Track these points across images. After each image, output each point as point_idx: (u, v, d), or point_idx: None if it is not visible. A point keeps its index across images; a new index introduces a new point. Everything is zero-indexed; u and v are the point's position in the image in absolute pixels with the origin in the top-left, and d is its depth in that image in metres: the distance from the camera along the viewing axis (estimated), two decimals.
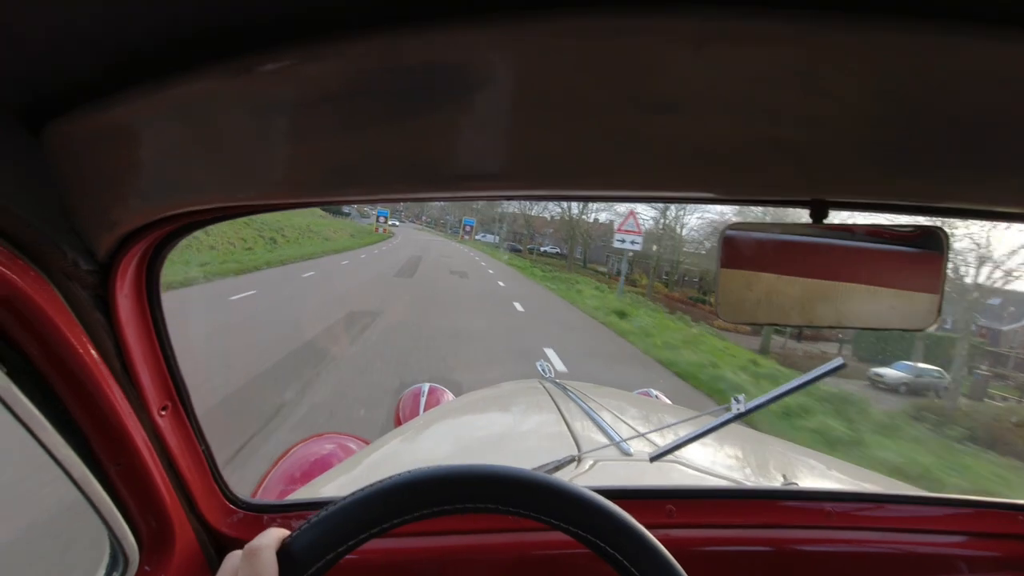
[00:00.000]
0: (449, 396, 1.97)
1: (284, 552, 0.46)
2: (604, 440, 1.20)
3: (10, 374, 0.50)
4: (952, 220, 0.54)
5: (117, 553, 0.69)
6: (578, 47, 0.34)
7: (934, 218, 0.54)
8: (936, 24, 0.32)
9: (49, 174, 0.46)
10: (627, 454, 1.12)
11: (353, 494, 0.48)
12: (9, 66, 0.38)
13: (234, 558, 0.46)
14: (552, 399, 1.56)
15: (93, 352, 0.55)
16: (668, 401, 2.26)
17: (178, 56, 0.38)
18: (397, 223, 51.39)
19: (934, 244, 0.51)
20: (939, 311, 0.51)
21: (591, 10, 0.32)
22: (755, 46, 0.33)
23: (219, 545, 0.81)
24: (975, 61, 0.33)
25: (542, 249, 47.18)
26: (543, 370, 1.97)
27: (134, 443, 0.62)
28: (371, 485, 0.49)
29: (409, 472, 0.49)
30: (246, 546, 0.45)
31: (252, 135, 0.43)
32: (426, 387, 1.96)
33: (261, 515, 0.83)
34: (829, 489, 1.11)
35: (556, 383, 1.73)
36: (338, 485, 1.14)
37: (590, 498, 0.50)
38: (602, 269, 37.72)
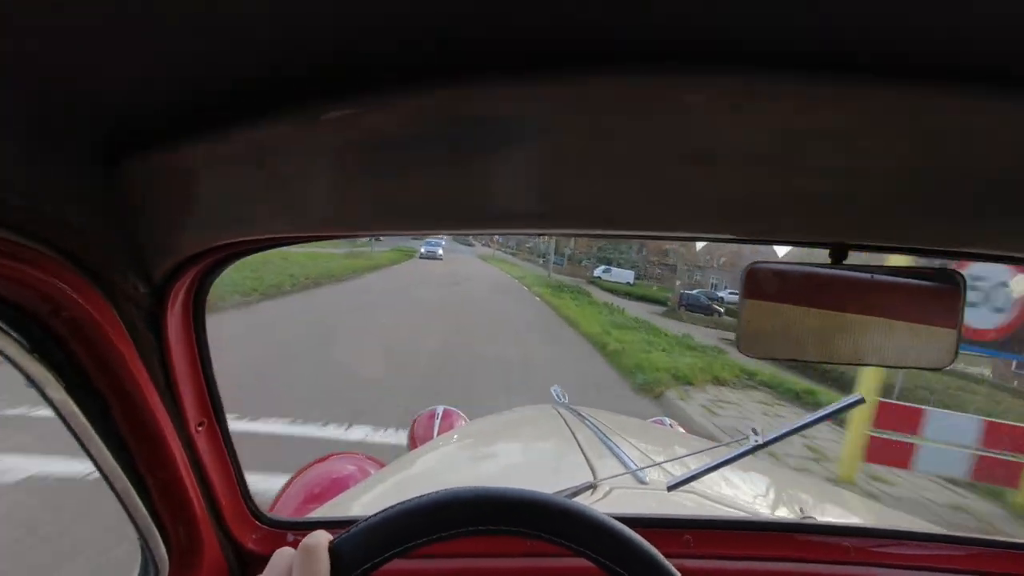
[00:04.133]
0: (463, 419, 1.98)
1: (334, 552, 0.47)
2: (619, 468, 1.21)
3: (67, 389, 0.54)
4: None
5: (148, 563, 0.71)
6: (622, 103, 0.37)
7: (947, 260, 0.56)
8: (955, 87, 0.34)
9: (121, 205, 0.50)
10: (643, 483, 1.13)
11: (401, 504, 0.49)
12: (95, 104, 0.42)
13: (285, 555, 0.47)
14: (567, 425, 1.56)
15: (143, 369, 0.59)
16: (682, 430, 2.24)
17: (252, 101, 0.42)
18: (439, 246, 36.92)
19: (951, 282, 0.53)
20: (956, 349, 0.52)
21: (639, 68, 0.35)
22: (790, 106, 0.36)
23: (242, 560, 0.82)
24: (994, 122, 0.36)
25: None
26: (557, 396, 1.98)
27: (173, 457, 0.65)
28: (418, 497, 0.50)
29: (454, 488, 0.51)
30: (301, 543, 0.46)
31: (312, 175, 0.47)
32: (440, 410, 1.97)
33: (285, 531, 0.85)
34: (847, 524, 1.10)
35: (571, 409, 1.73)
36: (359, 505, 1.15)
37: (612, 525, 0.51)
38: None
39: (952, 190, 0.41)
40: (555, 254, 44.93)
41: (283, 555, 0.47)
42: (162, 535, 0.69)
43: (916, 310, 0.53)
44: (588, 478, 1.10)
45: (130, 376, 0.57)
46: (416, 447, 1.83)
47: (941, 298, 0.53)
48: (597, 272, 36.57)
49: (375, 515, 0.48)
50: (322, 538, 0.46)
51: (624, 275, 36.38)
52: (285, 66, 0.39)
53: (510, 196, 0.45)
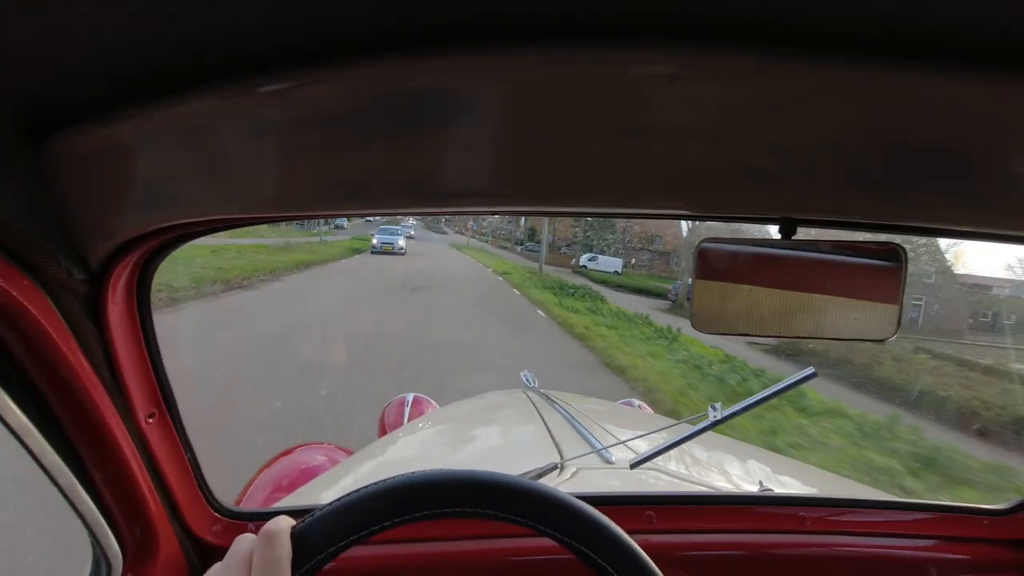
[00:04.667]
0: (434, 406, 1.98)
1: (296, 537, 0.46)
2: (586, 448, 1.22)
3: (1, 383, 0.51)
4: (911, 237, 0.57)
5: (100, 560, 0.69)
6: (563, 76, 0.36)
7: (894, 235, 0.57)
8: (893, 61, 0.35)
9: (47, 187, 0.48)
10: (608, 462, 1.14)
11: (363, 488, 0.49)
12: (11, 80, 0.40)
13: (245, 541, 0.46)
14: (535, 409, 1.58)
15: (84, 360, 0.56)
16: (649, 410, 2.29)
17: (180, 76, 0.40)
18: (403, 234, 27.66)
19: (894, 258, 0.54)
20: (899, 322, 0.54)
21: (576, 42, 0.35)
22: (726, 79, 0.36)
23: (202, 553, 0.81)
24: (929, 96, 0.36)
25: None
26: (527, 380, 1.99)
27: (121, 450, 0.63)
28: (380, 482, 0.50)
29: (417, 472, 0.50)
30: (262, 529, 0.45)
31: (250, 152, 0.45)
32: (410, 397, 1.96)
33: (246, 523, 0.84)
34: (804, 495, 1.14)
35: (540, 393, 1.75)
36: (328, 493, 1.14)
37: (576, 505, 0.51)
38: None
39: (891, 165, 0.41)
40: (532, 240, 42.48)
41: (244, 540, 0.46)
42: (113, 531, 0.67)
43: (861, 285, 0.54)
44: (555, 459, 1.11)
45: (69, 368, 0.55)
46: (386, 434, 1.83)
47: (885, 274, 0.55)
48: (583, 261, 32.02)
49: (337, 500, 0.48)
50: (284, 523, 0.46)
51: (612, 263, 31.71)
52: (214, 38, 0.37)
53: (451, 173, 0.44)
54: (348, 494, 0.48)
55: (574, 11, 0.33)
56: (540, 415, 1.50)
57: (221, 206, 0.50)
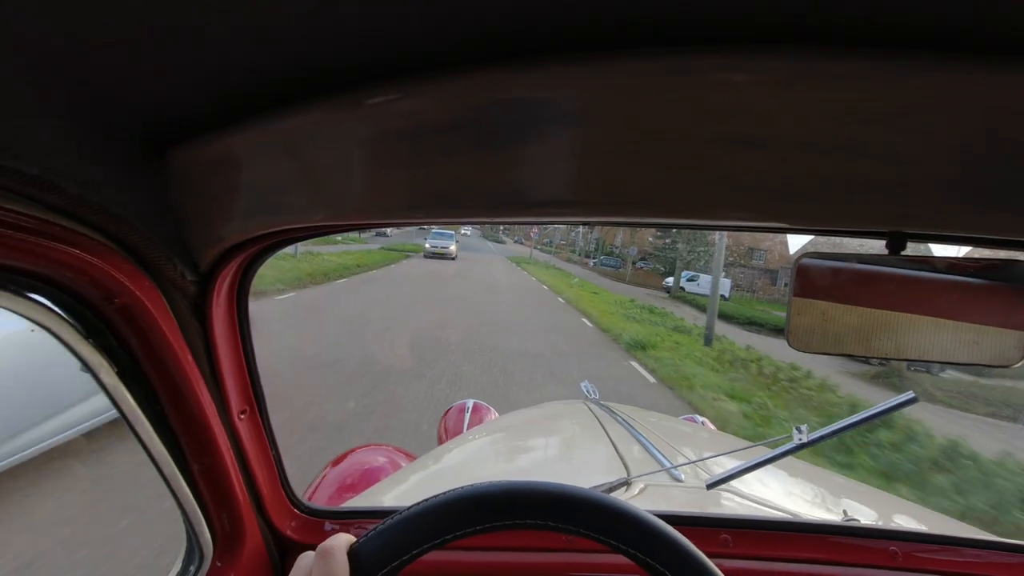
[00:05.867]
0: (493, 413, 1.99)
1: (353, 555, 0.47)
2: (654, 465, 1.19)
3: (120, 374, 0.55)
4: None
5: (193, 547, 0.73)
6: (669, 85, 0.36)
7: (1017, 252, 0.52)
8: (1017, 63, 0.32)
9: (168, 194, 0.51)
10: (678, 480, 1.11)
11: (418, 504, 0.50)
12: (141, 97, 0.43)
13: (307, 558, 0.48)
14: (598, 421, 1.55)
15: (189, 356, 0.60)
16: (713, 427, 2.21)
17: (290, 92, 0.42)
18: (449, 242, 24.82)
19: (1018, 278, 0.50)
20: None
21: (684, 50, 0.34)
22: (840, 86, 0.34)
23: (281, 546, 0.84)
24: None
25: None
26: (588, 391, 1.96)
27: (216, 444, 0.66)
28: (435, 496, 0.50)
29: (472, 485, 0.51)
30: (320, 547, 0.47)
31: (351, 163, 0.47)
32: (471, 403, 1.98)
33: (322, 520, 0.86)
34: (894, 528, 1.07)
35: (602, 405, 1.72)
36: (393, 496, 1.16)
37: (653, 523, 0.50)
38: None
39: (1016, 176, 0.38)
40: (602, 252, 37.28)
41: (305, 559, 0.48)
42: (207, 520, 0.71)
43: (983, 310, 0.50)
44: (621, 474, 1.09)
45: (177, 363, 0.58)
46: (446, 440, 1.85)
47: (1008, 295, 0.50)
48: (682, 282, 25.54)
49: (394, 516, 0.48)
50: (341, 540, 0.47)
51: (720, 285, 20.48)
52: (318, 57, 0.39)
53: (545, 183, 0.44)
54: (405, 509, 0.49)
55: (683, 16, 0.32)
56: (603, 428, 1.48)
57: (319, 214, 0.53)
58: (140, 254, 0.52)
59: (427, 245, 24.96)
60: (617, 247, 37.21)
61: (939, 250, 0.54)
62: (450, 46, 0.37)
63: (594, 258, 38.39)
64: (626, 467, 1.18)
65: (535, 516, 0.50)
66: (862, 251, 0.54)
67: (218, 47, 0.37)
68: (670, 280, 26.82)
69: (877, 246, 0.51)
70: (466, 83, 0.39)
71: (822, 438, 0.86)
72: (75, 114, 0.41)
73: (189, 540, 0.73)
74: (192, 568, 0.72)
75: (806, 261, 0.53)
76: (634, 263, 32.03)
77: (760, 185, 0.41)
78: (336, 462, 1.70)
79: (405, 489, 1.20)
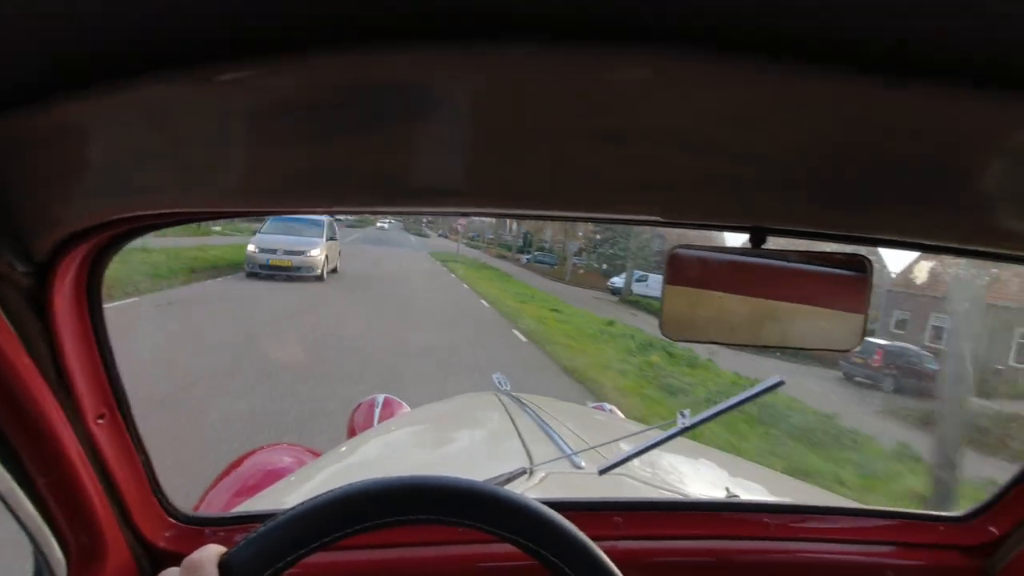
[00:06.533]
0: (404, 408, 1.95)
1: (225, 566, 0.44)
2: (556, 453, 1.21)
3: None
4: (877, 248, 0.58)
5: (42, 568, 0.66)
6: (535, 77, 0.36)
7: (861, 247, 0.58)
8: (866, 75, 0.35)
9: None
10: (578, 467, 1.14)
11: (292, 508, 0.48)
12: None
13: (171, 574, 0.45)
14: (507, 412, 1.57)
15: (26, 358, 0.53)
16: (621, 415, 2.29)
17: (138, 60, 0.38)
18: (310, 239, 10.55)
19: (860, 269, 0.55)
20: (863, 332, 0.55)
21: (550, 42, 0.34)
22: (702, 86, 0.36)
23: (155, 560, 0.78)
24: (900, 111, 0.36)
25: None
26: (499, 383, 1.98)
27: (67, 454, 0.60)
28: (311, 499, 0.48)
29: (349, 485, 0.49)
30: (184, 561, 0.44)
31: (211, 141, 0.43)
32: (381, 398, 1.93)
33: (202, 528, 0.81)
34: (768, 501, 1.16)
35: (512, 396, 1.74)
36: (290, 498, 1.11)
37: (535, 508, 0.51)
38: None
39: (861, 178, 0.42)
40: (530, 247, 33.75)
41: (169, 574, 0.45)
42: (57, 538, 0.64)
43: (828, 295, 0.55)
44: (525, 464, 1.10)
45: (10, 366, 0.52)
46: (355, 436, 1.79)
47: (851, 284, 0.55)
48: (634, 284, 21.56)
49: (266, 523, 0.46)
50: (211, 551, 0.44)
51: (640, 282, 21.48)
52: (179, 23, 0.35)
53: (420, 170, 0.43)
54: (280, 513, 0.47)
55: (555, 10, 0.32)
56: (511, 418, 1.49)
57: (178, 197, 0.48)
58: None
59: (251, 248, 11.20)
60: (547, 242, 34.70)
61: (798, 244, 0.58)
62: (317, 23, 0.35)
63: (527, 254, 34.22)
64: (529, 456, 1.19)
65: (413, 512, 0.49)
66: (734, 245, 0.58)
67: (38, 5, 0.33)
68: (617, 280, 22.91)
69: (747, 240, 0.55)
70: (330, 64, 0.37)
71: (702, 422, 0.92)
72: None
73: (36, 560, 0.65)
74: None
75: (679, 251, 0.55)
76: (563, 259, 29.07)
77: (630, 178, 0.43)
78: (236, 464, 1.60)
79: (303, 490, 1.15)
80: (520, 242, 37.61)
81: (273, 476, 1.48)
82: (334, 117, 0.39)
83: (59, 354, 0.57)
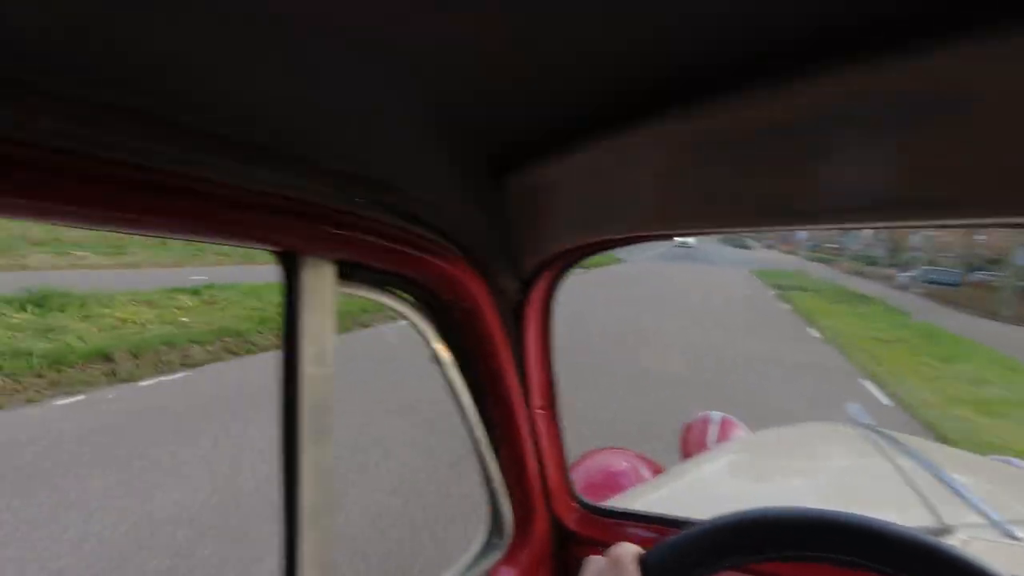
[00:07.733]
0: (742, 429, 1.85)
1: (643, 565, 0.47)
2: (966, 511, 0.98)
3: (460, 370, 0.65)
4: None
5: (494, 525, 0.82)
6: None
7: None
8: None
9: (504, 210, 0.59)
10: (1014, 538, 0.90)
11: (713, 521, 0.48)
12: (489, 126, 0.49)
13: (597, 563, 0.48)
14: (879, 451, 1.34)
15: (509, 356, 0.68)
16: None
17: (615, 114, 0.43)
18: None
19: None
20: None
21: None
22: None
23: (561, 535, 0.90)
24: None
25: None
26: (857, 415, 1.71)
27: (520, 433, 0.74)
28: (737, 514, 0.48)
29: (772, 507, 0.47)
30: (610, 552, 0.47)
31: (674, 175, 0.48)
32: (717, 416, 1.87)
33: (598, 517, 0.90)
34: None
35: (880, 432, 1.48)
36: (659, 506, 1.16)
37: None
38: None
39: None
40: (903, 260, 23.27)
41: (595, 563, 0.48)
42: (510, 499, 0.79)
43: None
44: (922, 516, 0.92)
45: (498, 361, 0.67)
46: (690, 453, 1.78)
47: None
48: None
49: (687, 530, 0.47)
50: (631, 549, 0.47)
51: None
52: (635, 77, 0.39)
53: (862, 186, 0.39)
54: (699, 524, 0.47)
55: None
56: (888, 459, 1.27)
57: (639, 225, 0.55)
58: (480, 262, 0.61)
59: None
60: (920, 249, 25.04)
61: None
62: (767, 57, 0.35)
63: (902, 268, 23.26)
64: (932, 510, 0.99)
65: (850, 552, 0.45)
66: None
67: (547, 76, 0.40)
68: None
69: None
70: (770, 96, 0.36)
71: None
72: (430, 136, 0.47)
73: (492, 516, 0.82)
74: (496, 540, 0.81)
75: None
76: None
77: None
78: (578, 462, 1.75)
79: (670, 499, 1.18)
80: (880, 251, 26.71)
81: (615, 478, 1.57)
82: (767, 146, 0.39)
83: (524, 354, 0.71)
